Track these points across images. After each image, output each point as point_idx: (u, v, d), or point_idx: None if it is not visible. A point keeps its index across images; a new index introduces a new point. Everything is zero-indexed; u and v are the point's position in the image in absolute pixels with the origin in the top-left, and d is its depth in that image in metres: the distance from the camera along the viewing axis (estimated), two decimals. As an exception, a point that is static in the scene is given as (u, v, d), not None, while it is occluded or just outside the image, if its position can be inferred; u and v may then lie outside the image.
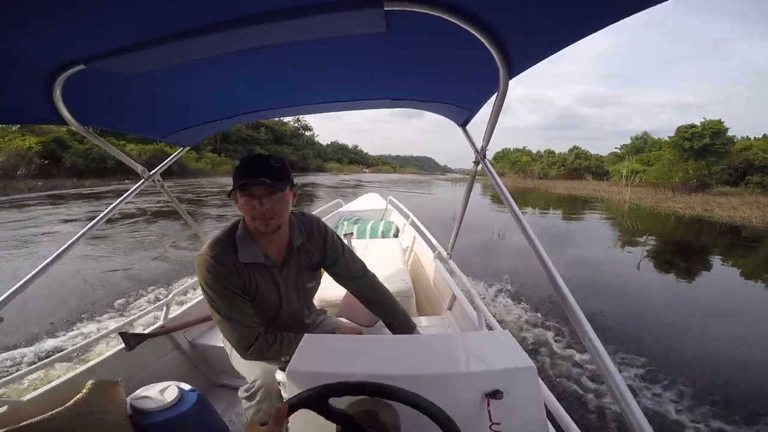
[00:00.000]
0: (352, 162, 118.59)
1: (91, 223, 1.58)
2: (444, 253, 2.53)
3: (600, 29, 0.77)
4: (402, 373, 0.91)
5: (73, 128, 1.31)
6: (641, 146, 54.51)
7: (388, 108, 1.81)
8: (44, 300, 4.48)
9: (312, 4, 0.75)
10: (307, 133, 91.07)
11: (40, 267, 1.37)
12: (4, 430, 1.14)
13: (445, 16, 0.79)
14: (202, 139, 2.11)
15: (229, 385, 2.09)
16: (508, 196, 1.25)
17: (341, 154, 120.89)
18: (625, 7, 0.69)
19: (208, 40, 0.85)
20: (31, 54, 0.88)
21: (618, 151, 60.49)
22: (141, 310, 2.10)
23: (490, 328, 1.72)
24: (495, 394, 0.87)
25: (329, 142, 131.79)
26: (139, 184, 1.83)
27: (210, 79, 1.27)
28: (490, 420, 0.85)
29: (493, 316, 1.82)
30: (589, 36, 0.79)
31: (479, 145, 1.58)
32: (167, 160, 2.02)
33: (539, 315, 4.69)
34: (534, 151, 73.34)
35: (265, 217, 1.19)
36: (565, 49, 0.87)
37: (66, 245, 1.49)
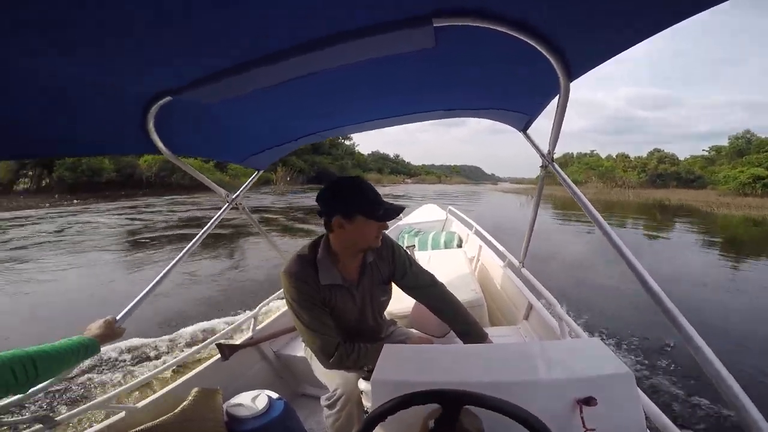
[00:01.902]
0: (393, 172, 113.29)
1: (190, 245, 1.77)
2: (515, 262, 2.43)
3: (663, 29, 0.75)
4: (487, 380, 0.91)
5: (165, 156, 1.45)
6: (743, 147, 46.56)
7: (442, 118, 1.83)
8: (148, 313, 5.01)
9: (365, 26, 0.80)
10: (347, 143, 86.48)
11: (152, 284, 1.56)
12: None
13: (496, 27, 0.80)
14: (273, 161, 2.27)
15: (310, 394, 2.18)
16: (585, 199, 1.20)
17: (382, 164, 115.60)
18: (686, 9, 0.67)
19: (276, 67, 0.92)
20: (128, 88, 1.00)
21: (706, 153, 54.03)
22: (231, 324, 2.28)
23: (574, 337, 1.64)
24: (588, 401, 0.84)
25: (369, 152, 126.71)
26: (224, 208, 2.01)
27: (276, 104, 1.37)
28: (584, 426, 0.82)
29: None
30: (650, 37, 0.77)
31: (544, 149, 1.53)
32: (245, 184, 2.20)
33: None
34: (604, 155, 65.82)
35: (381, 235, 1.33)
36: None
37: (170, 265, 1.67)
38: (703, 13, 0.68)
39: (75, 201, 24.84)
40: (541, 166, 1.63)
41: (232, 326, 2.24)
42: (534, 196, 1.96)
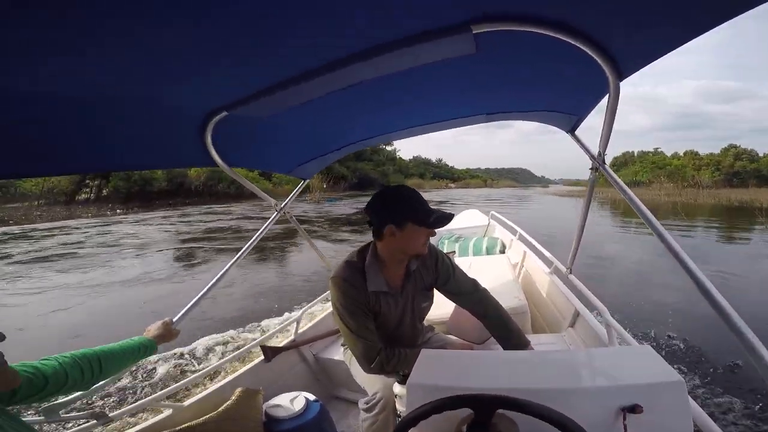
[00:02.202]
0: (436, 177, 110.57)
1: (243, 250, 1.87)
2: (562, 268, 2.32)
3: (714, 27, 0.70)
4: (524, 387, 0.88)
5: (221, 169, 1.53)
6: None
7: (484, 122, 1.81)
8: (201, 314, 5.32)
9: (405, 36, 0.82)
10: (388, 148, 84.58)
11: (207, 287, 1.65)
12: (169, 431, 1.36)
13: (536, 30, 0.78)
14: (319, 170, 2.34)
15: (344, 397, 2.19)
16: (639, 203, 1.13)
17: (424, 169, 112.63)
18: (738, 4, 0.64)
19: (321, 80, 0.96)
20: (187, 105, 1.08)
21: None
22: (276, 326, 2.36)
23: (624, 344, 1.54)
24: (634, 409, 0.81)
25: (411, 157, 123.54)
26: (273, 216, 2.09)
27: (321, 115, 1.41)
28: None
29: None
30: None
31: (594, 150, 1.45)
32: (293, 192, 2.27)
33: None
34: (669, 154, 58.53)
35: (426, 244, 1.35)
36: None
37: (224, 270, 1.76)
38: None
39: (118, 211, 26.60)
40: (591, 168, 1.55)
41: (276, 329, 2.31)
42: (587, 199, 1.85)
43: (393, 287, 1.40)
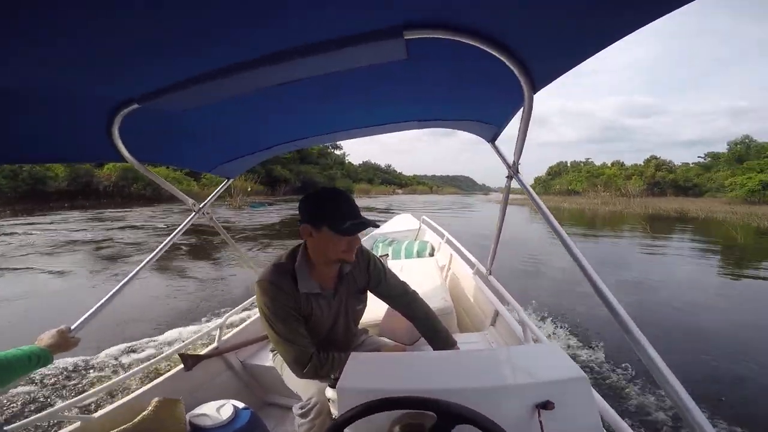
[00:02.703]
0: (384, 182, 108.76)
1: (154, 253, 1.73)
2: (483, 270, 2.50)
3: (620, 38, 0.77)
4: (449, 387, 0.91)
5: (131, 165, 1.41)
6: (743, 153, 44.71)
7: (416, 129, 1.85)
8: (109, 323, 4.77)
9: (337, 38, 0.81)
10: (337, 152, 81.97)
11: (110, 293, 1.51)
12: None
13: (465, 40, 0.82)
14: (245, 170, 2.23)
15: (277, 403, 2.14)
16: (546, 209, 1.24)
17: (373, 174, 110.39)
18: (644, 15, 0.68)
19: (247, 76, 0.92)
20: (93, 96, 0.98)
21: (702, 160, 52.36)
22: (197, 333, 2.22)
23: (537, 342, 1.69)
24: (546, 405, 0.86)
25: (361, 162, 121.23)
26: (191, 217, 1.97)
27: (248, 113, 1.35)
28: (542, 430, 0.84)
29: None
30: (612, 45, 0.80)
31: (510, 160, 1.57)
32: (214, 193, 2.16)
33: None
34: (598, 164, 62.24)
35: (353, 250, 1.31)
36: (600, 60, 0.90)
37: (131, 274, 1.63)
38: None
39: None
40: (507, 177, 1.67)
41: (196, 336, 2.19)
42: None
43: (325, 289, 1.38)
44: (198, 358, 1.96)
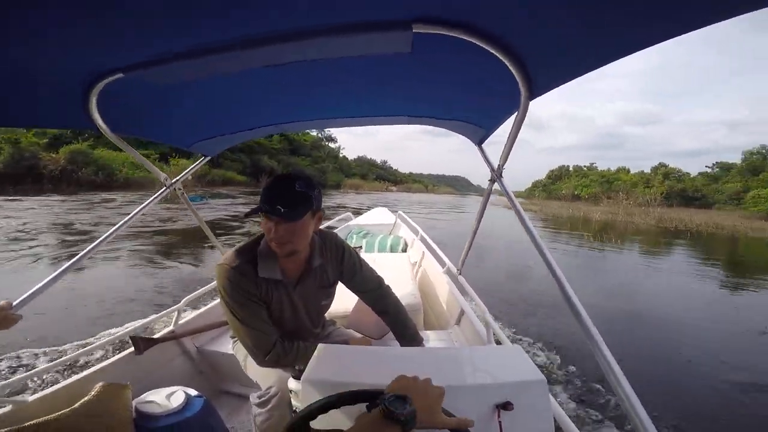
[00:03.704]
0: (379, 178, 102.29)
1: (112, 230, 1.62)
2: (454, 269, 2.52)
3: (625, 56, 0.76)
4: None
5: (106, 135, 1.34)
6: (759, 163, 42.67)
7: (405, 124, 1.84)
8: (60, 304, 4.53)
9: (342, 24, 0.79)
10: (332, 145, 78.23)
11: (59, 270, 1.40)
12: (6, 429, 1.14)
13: (470, 39, 0.82)
14: (225, 149, 2.16)
15: (234, 392, 2.08)
16: (523, 212, 1.26)
17: (367, 169, 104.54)
18: (651, 36, 0.69)
19: (241, 54, 0.89)
20: (72, 62, 0.92)
21: (708, 170, 50.10)
22: (152, 315, 2.11)
23: (499, 343, 1.70)
24: (506, 406, 0.88)
25: (356, 156, 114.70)
26: (160, 192, 1.87)
27: (236, 91, 1.31)
28: (501, 430, 0.86)
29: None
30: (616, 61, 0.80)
31: (496, 164, 1.58)
32: (189, 168, 2.07)
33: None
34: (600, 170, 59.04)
35: (279, 241, 1.21)
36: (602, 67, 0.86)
37: (86, 251, 1.52)
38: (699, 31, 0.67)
39: None
40: (490, 180, 1.68)
41: (150, 319, 2.08)
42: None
43: (289, 278, 1.35)
44: (151, 342, 1.87)
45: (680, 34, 0.65)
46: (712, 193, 43.80)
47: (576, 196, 52.89)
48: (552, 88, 1.02)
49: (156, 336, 1.95)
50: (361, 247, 3.87)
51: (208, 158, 2.13)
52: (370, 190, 67.66)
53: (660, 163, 53.50)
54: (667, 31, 0.66)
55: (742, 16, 0.57)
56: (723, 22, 0.59)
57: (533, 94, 1.03)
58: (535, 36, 0.83)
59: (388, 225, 4.81)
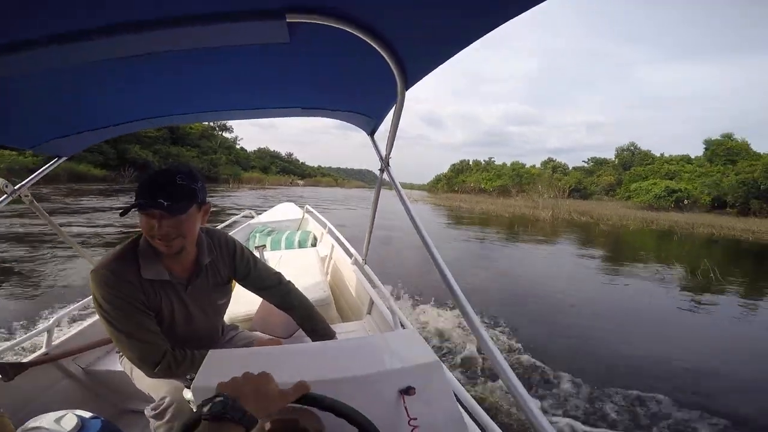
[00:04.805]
0: (284, 172, 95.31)
1: None
2: (360, 259, 2.59)
3: (484, 34, 0.81)
4: (316, 378, 0.85)
5: None
6: (628, 159, 48.46)
7: (300, 116, 1.80)
8: None
9: (216, 12, 0.76)
10: (227, 135, 69.89)
11: None
12: None
13: (345, 28, 0.82)
14: (84, 148, 1.91)
15: (136, 409, 1.90)
16: (407, 201, 1.34)
17: (269, 162, 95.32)
18: (503, 13, 0.72)
19: (100, 43, 0.80)
20: None
21: (585, 165, 54.76)
22: (18, 337, 1.83)
23: (405, 328, 1.78)
24: (408, 390, 0.88)
25: (256, 148, 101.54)
26: (2, 199, 1.61)
27: (97, 83, 1.18)
28: (408, 416, 0.86)
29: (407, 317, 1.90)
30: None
31: (384, 153, 1.63)
32: (37, 172, 1.79)
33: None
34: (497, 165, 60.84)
35: (165, 238, 1.12)
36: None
37: None
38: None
39: None
40: (380, 170, 1.73)
41: (14, 342, 1.81)
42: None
43: (177, 277, 1.25)
44: (21, 367, 1.64)
45: (523, 11, 0.70)
46: (589, 185, 48.44)
47: (482, 189, 54.07)
48: (423, 76, 1.04)
49: (26, 360, 1.71)
50: (265, 245, 3.75)
51: (63, 159, 1.86)
52: (273, 184, 62.82)
53: (549, 158, 58.32)
54: (514, 8, 0.70)
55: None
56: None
57: (408, 82, 1.06)
58: (404, 23, 0.84)
59: (295, 220, 4.73)
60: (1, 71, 0.90)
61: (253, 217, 4.89)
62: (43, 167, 1.82)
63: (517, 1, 0.68)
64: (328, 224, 3.95)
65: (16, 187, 1.65)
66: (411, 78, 1.05)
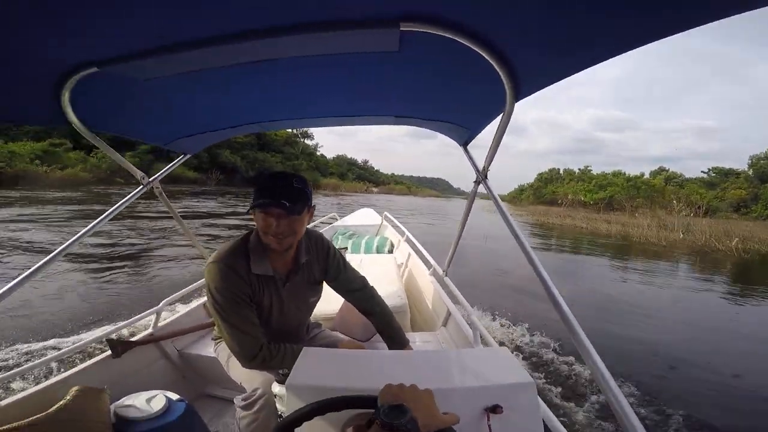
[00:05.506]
0: (359, 179, 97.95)
1: (86, 228, 1.55)
2: (440, 270, 2.53)
3: (609, 58, 0.78)
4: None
5: (79, 131, 1.30)
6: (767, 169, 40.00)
7: (391, 124, 1.83)
8: (36, 304, 4.37)
9: (328, 21, 0.78)
10: (308, 142, 73.02)
11: (34, 268, 1.34)
12: None
13: (458, 39, 0.82)
14: (205, 146, 2.12)
15: (217, 395, 2.03)
16: (508, 214, 1.27)
17: (347, 169, 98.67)
18: (632, 39, 0.70)
19: (222, 50, 0.87)
20: (43, 53, 0.87)
21: (705, 176, 47.13)
22: (131, 318, 2.04)
23: (485, 344, 1.71)
24: (495, 409, 0.87)
25: (335, 155, 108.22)
26: (137, 190, 1.80)
27: (217, 88, 1.28)
28: None
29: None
30: (600, 63, 0.81)
31: (480, 165, 1.59)
32: (168, 166, 2.01)
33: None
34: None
35: (280, 236, 1.22)
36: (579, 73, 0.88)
37: (60, 248, 1.46)
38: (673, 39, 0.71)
39: None
40: (475, 182, 1.69)
41: (128, 321, 2.00)
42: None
43: (279, 273, 1.34)
44: (129, 345, 1.81)
45: (666, 36, 0.66)
46: (711, 200, 38.02)
47: (580, 202, 43.85)
48: (538, 90, 1.03)
49: (134, 339, 1.89)
50: (346, 248, 3.86)
51: (188, 156, 2.08)
52: (349, 190, 64.79)
53: (660, 167, 51.66)
54: (654, 32, 0.67)
55: (710, 25, 0.58)
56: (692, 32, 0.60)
57: (519, 95, 1.04)
58: (523, 37, 0.83)
59: (374, 226, 4.82)
60: (145, 74, 1.01)
61: (337, 220, 5.07)
62: (171, 163, 2.05)
63: (651, 28, 0.66)
64: (407, 232, 3.96)
65: (150, 180, 1.83)
66: (523, 91, 1.03)
